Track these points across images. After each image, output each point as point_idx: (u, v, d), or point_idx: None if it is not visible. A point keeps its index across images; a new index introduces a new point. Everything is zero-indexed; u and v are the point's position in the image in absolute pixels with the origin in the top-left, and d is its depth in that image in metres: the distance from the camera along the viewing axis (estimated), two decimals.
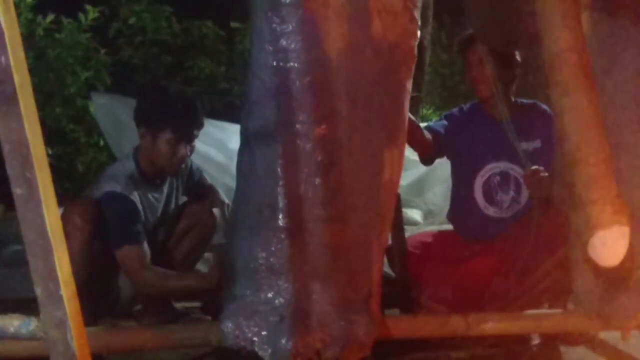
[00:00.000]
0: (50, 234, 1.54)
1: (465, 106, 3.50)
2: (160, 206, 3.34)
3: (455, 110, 3.55)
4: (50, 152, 5.90)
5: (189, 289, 3.05)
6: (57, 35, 6.50)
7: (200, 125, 3.22)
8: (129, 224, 3.01)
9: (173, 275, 3.10)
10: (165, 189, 3.35)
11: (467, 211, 3.35)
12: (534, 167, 2.94)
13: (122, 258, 2.96)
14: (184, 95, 3.23)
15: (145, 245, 3.02)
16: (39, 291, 1.58)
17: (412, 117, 2.85)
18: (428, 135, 3.31)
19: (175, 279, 3.06)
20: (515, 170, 3.20)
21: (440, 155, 3.51)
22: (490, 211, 3.28)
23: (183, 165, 3.36)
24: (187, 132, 3.15)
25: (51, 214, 1.56)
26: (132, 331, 2.55)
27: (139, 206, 3.12)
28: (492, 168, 3.29)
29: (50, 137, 6.07)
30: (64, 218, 2.86)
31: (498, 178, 3.27)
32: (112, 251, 2.97)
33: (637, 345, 2.40)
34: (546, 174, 2.89)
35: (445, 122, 3.46)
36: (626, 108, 2.26)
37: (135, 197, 3.11)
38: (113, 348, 2.25)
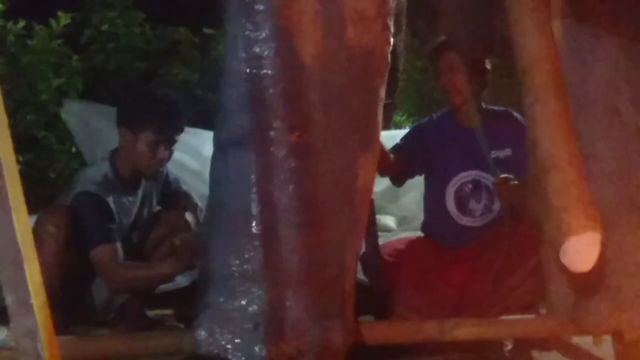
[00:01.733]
0: (20, 242, 1.53)
1: (436, 115, 3.50)
2: (135, 210, 3.33)
3: (424, 121, 3.55)
4: (21, 159, 5.86)
5: (160, 276, 3.07)
6: (28, 42, 6.46)
7: (180, 131, 3.24)
8: (101, 223, 3.02)
9: (142, 266, 3.16)
10: (140, 192, 3.34)
11: (440, 220, 3.35)
12: (503, 175, 2.96)
13: (95, 257, 2.96)
14: (169, 99, 3.24)
15: (119, 244, 3.02)
16: (9, 300, 1.56)
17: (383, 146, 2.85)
18: (392, 156, 3.27)
19: (146, 269, 3.13)
20: (487, 179, 3.20)
21: (411, 176, 3.51)
22: (464, 220, 3.28)
23: (161, 171, 3.36)
24: (168, 135, 3.16)
25: (21, 222, 1.54)
26: (105, 339, 2.53)
27: (113, 207, 3.12)
28: (463, 177, 3.28)
29: (22, 144, 6.02)
30: (39, 226, 2.87)
31: (470, 186, 3.27)
32: (86, 252, 2.97)
33: (609, 349, 2.41)
34: (516, 182, 2.91)
35: (413, 138, 3.46)
36: (597, 115, 2.28)
37: (109, 198, 3.10)
38: (85, 357, 2.23)
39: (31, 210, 1.62)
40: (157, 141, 3.12)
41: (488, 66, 3.26)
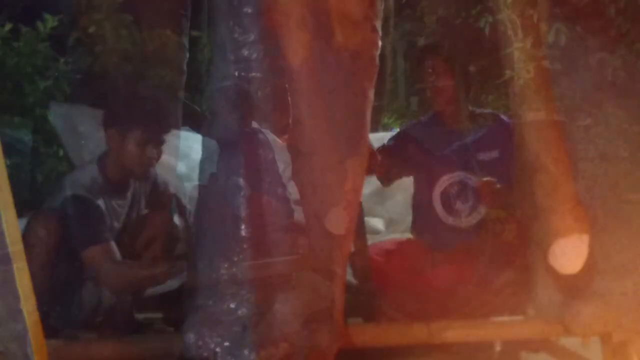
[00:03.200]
0: (9, 245, 1.52)
1: (423, 118, 3.52)
2: (124, 213, 3.31)
3: (411, 123, 3.56)
4: (8, 162, 5.82)
5: (160, 275, 3.05)
6: (15, 44, 6.42)
7: (168, 129, 3.23)
8: (94, 224, 3.00)
9: (142, 265, 3.13)
10: (129, 195, 3.33)
11: (427, 221, 3.35)
12: (486, 179, 2.98)
13: (89, 258, 2.94)
14: (156, 98, 3.25)
15: (113, 243, 3.00)
16: None
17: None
18: (379, 157, 3.27)
19: (145, 267, 3.11)
20: (474, 180, 3.21)
21: (399, 177, 3.52)
22: (450, 221, 3.28)
23: (151, 173, 3.35)
24: (156, 133, 3.15)
25: (10, 225, 1.53)
26: (94, 343, 2.52)
27: (104, 210, 3.11)
28: (450, 178, 3.29)
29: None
30: (29, 230, 2.86)
31: (456, 188, 3.28)
32: (79, 252, 2.95)
33: (597, 350, 2.42)
34: (498, 186, 2.92)
35: (402, 140, 3.46)
36: (584, 118, 2.29)
37: (99, 202, 3.09)
38: None
39: (17, 213, 1.62)
40: (146, 140, 3.11)
41: (472, 69, 3.27)
